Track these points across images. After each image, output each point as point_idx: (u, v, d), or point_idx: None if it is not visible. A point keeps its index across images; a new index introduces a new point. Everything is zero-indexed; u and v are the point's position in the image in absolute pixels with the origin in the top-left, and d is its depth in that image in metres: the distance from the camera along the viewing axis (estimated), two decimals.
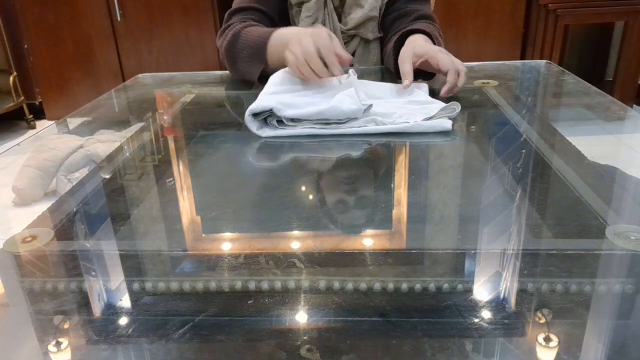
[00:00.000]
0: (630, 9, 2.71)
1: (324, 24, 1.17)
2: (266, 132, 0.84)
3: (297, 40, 0.90)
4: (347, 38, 1.22)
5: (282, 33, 1.01)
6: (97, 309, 0.46)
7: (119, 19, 3.02)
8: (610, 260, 0.50)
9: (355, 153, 0.79)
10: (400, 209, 0.62)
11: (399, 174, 0.74)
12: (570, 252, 0.51)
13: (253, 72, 1.06)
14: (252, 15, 1.15)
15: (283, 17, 1.21)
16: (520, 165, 0.71)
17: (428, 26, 1.11)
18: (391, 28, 1.20)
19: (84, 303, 0.47)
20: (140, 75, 1.29)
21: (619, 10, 2.75)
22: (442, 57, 0.93)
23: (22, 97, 3.29)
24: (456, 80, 0.93)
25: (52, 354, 0.41)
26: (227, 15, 1.18)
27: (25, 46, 3.21)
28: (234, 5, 1.18)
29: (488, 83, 1.07)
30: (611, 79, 3.03)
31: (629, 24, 2.78)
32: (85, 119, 1.11)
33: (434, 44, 1.03)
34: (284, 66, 0.96)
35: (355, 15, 1.18)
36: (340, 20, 1.21)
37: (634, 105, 2.92)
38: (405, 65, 0.94)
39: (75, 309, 0.46)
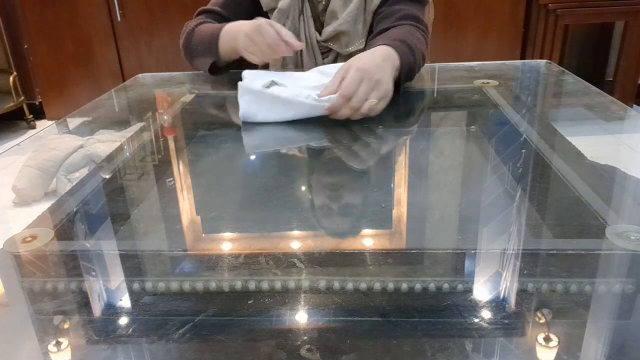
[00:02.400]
0: (630, 9, 2.71)
1: (297, 33, 1.15)
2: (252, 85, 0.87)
3: (243, 37, 0.99)
4: (324, 49, 1.18)
5: (229, 29, 1.06)
6: (97, 309, 0.46)
7: (119, 19, 3.02)
8: (610, 260, 0.50)
9: (356, 153, 0.79)
10: (400, 208, 0.62)
11: (399, 173, 0.74)
12: (570, 252, 0.51)
13: (205, 65, 1.12)
14: (215, 19, 1.17)
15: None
16: (520, 165, 0.71)
17: (404, 32, 1.03)
18: (376, 28, 1.14)
19: (84, 303, 0.47)
20: (140, 75, 1.29)
21: (619, 10, 2.75)
22: (346, 80, 0.83)
23: (22, 97, 3.29)
24: (339, 102, 0.81)
25: (52, 354, 0.41)
26: (195, 14, 1.20)
27: (25, 46, 3.21)
28: (208, 5, 1.21)
29: (488, 83, 1.07)
30: (611, 79, 3.03)
31: (629, 24, 2.78)
32: (85, 119, 1.11)
33: (401, 54, 0.94)
34: (235, 57, 1.07)
35: (328, 29, 1.14)
36: (320, 31, 1.17)
37: (634, 105, 2.92)
38: (331, 80, 0.86)
39: (75, 309, 0.46)
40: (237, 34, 1.02)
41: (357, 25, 1.14)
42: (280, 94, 0.87)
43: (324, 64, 1.17)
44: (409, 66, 0.96)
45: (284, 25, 1.14)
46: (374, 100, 0.83)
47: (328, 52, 1.19)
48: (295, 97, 0.85)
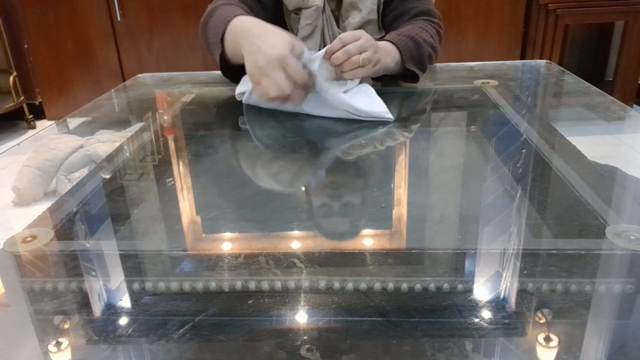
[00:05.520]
0: (630, 9, 2.72)
1: (322, 31, 1.14)
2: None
3: (257, 71, 0.84)
4: None
5: (236, 28, 0.93)
6: (97, 309, 0.46)
7: (119, 19, 3.03)
8: (610, 260, 0.50)
9: (356, 153, 0.79)
10: (401, 208, 0.62)
11: (399, 173, 0.74)
12: (570, 252, 0.51)
13: (215, 56, 1.02)
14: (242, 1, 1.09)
15: (278, 18, 1.17)
16: (520, 165, 0.71)
17: (415, 28, 1.06)
18: (390, 29, 1.16)
19: (84, 303, 0.46)
20: (140, 75, 1.29)
21: (619, 10, 2.75)
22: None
23: (22, 97, 3.29)
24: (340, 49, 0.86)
25: (52, 354, 0.41)
26: None
27: (25, 46, 3.21)
28: None
29: (488, 83, 1.07)
30: (611, 79, 3.03)
31: (629, 24, 2.78)
32: (85, 119, 1.11)
33: (412, 51, 1.01)
34: (238, 57, 0.92)
35: (353, 20, 1.14)
36: (338, 25, 1.17)
37: (634, 105, 2.92)
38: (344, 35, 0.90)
39: (75, 309, 0.46)
40: (243, 40, 0.89)
41: (379, 13, 1.16)
42: None
43: None
44: (415, 58, 1.01)
45: (316, 26, 1.12)
46: (366, 57, 0.88)
47: None
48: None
